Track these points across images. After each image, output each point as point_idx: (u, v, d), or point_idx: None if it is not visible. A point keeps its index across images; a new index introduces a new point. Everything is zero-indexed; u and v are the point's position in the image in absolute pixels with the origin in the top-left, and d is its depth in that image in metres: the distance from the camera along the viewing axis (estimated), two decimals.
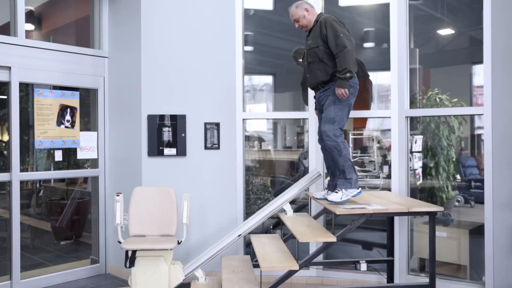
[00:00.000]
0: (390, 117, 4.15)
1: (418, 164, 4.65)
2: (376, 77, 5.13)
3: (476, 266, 4.03)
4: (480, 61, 3.76)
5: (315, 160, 4.31)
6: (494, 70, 3.65)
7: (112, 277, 4.62)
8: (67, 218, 5.70)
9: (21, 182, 4.26)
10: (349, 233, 3.17)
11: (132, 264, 3.76)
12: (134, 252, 3.78)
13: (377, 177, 5.23)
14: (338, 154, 3.38)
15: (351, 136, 5.86)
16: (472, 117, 4.46)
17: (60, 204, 5.94)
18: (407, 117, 4.10)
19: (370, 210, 3.12)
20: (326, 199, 3.41)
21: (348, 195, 3.37)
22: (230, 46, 4.45)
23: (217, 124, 4.46)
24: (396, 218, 4.03)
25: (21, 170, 4.25)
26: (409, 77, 4.11)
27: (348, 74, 3.30)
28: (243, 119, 4.49)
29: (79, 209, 5.72)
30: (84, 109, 4.79)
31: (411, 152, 4.41)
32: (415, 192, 4.40)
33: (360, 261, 3.81)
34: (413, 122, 4.67)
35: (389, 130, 4.19)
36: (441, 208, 3.25)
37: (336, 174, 3.48)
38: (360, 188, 3.44)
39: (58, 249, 5.45)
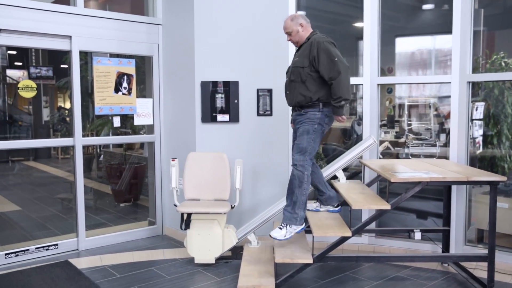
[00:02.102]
0: (450, 83, 3.95)
1: (478, 132, 4.47)
2: (434, 42, 4.90)
3: None
4: None
5: (369, 127, 4.22)
6: None
7: (169, 238, 4.83)
8: (125, 181, 5.98)
9: (83, 147, 4.45)
10: (404, 201, 3.11)
11: (187, 226, 3.91)
12: (189, 215, 3.92)
13: (434, 145, 5.07)
14: (298, 185, 3.26)
15: (406, 103, 5.68)
16: None
17: (119, 168, 6.24)
18: (469, 82, 3.89)
19: (427, 178, 3.03)
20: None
21: (292, 232, 3.28)
22: (283, 12, 4.37)
23: (270, 91, 4.45)
24: (454, 188, 3.90)
25: (83, 136, 4.44)
26: (472, 40, 3.88)
27: (342, 102, 3.16)
28: None
29: (137, 173, 5.98)
30: (140, 76, 4.92)
31: (471, 120, 4.24)
32: (474, 161, 4.22)
33: (415, 230, 3.75)
34: (474, 88, 4.49)
35: (447, 97, 4.00)
36: (504, 178, 3.11)
37: (286, 203, 3.39)
38: (304, 224, 3.35)
39: (118, 210, 5.76)
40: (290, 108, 3.63)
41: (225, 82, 4.40)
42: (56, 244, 4.30)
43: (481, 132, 4.50)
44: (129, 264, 4.05)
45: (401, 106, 5.56)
